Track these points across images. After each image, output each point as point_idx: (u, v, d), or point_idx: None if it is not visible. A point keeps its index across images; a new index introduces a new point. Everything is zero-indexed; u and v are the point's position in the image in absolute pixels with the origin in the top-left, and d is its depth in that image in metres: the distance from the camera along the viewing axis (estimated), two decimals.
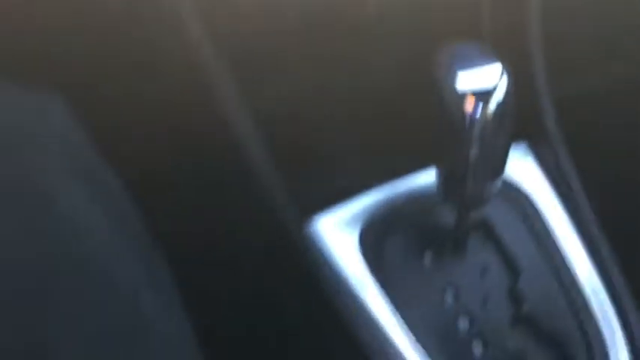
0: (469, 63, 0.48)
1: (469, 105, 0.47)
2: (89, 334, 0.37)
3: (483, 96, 0.47)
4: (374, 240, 0.59)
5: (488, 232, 0.60)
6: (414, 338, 0.55)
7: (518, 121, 0.53)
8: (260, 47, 0.61)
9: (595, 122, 0.93)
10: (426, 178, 0.60)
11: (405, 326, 0.55)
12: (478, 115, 0.47)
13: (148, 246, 0.49)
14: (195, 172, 0.67)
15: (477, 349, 0.55)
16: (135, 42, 0.63)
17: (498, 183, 0.52)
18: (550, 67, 0.66)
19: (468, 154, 0.49)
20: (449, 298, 0.57)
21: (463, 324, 0.56)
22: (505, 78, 0.48)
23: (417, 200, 0.60)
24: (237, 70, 0.60)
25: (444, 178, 0.54)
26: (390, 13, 0.65)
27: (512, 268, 0.58)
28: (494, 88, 0.47)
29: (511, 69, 0.49)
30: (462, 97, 0.47)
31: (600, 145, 0.92)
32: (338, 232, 0.59)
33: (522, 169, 0.62)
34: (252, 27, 0.61)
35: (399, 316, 0.56)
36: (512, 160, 0.61)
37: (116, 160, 0.49)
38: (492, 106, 0.47)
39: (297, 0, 0.62)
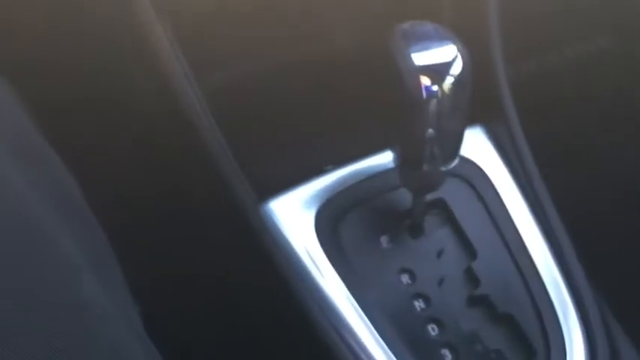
0: (425, 41, 0.48)
1: (424, 83, 0.47)
2: (28, 308, 0.35)
3: (438, 74, 0.47)
4: (330, 222, 0.58)
5: (445, 213, 0.60)
6: (369, 320, 0.55)
7: (475, 102, 0.53)
8: (211, 28, 0.60)
9: (551, 100, 0.94)
10: (383, 160, 0.60)
11: (360, 308, 0.55)
12: (433, 94, 0.47)
13: (92, 227, 0.47)
14: (147, 156, 0.66)
15: (433, 329, 0.55)
16: (81, 24, 0.61)
17: (453, 164, 0.52)
18: (508, 48, 0.66)
19: (423, 134, 0.49)
20: (405, 280, 0.57)
21: (419, 305, 0.56)
22: (460, 57, 0.47)
23: (374, 182, 0.60)
24: (188, 52, 0.59)
25: (400, 160, 0.54)
26: None
27: (468, 249, 0.58)
28: (450, 66, 0.47)
29: (469, 50, 0.48)
30: (418, 75, 0.47)
31: (556, 124, 0.93)
32: (294, 214, 0.58)
33: (479, 150, 0.62)
34: (202, 7, 0.60)
35: (355, 297, 0.55)
36: (469, 141, 0.61)
37: (59, 142, 0.48)
38: (448, 84, 0.47)
39: None
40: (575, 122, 0.97)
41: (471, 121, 0.63)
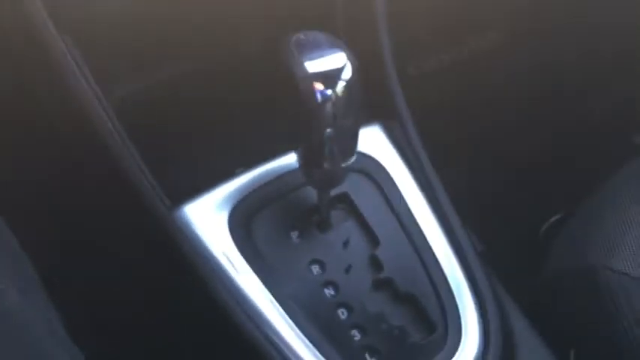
0: (316, 50, 0.52)
1: (318, 88, 0.51)
2: None
3: (331, 79, 0.51)
4: (242, 222, 0.61)
5: (348, 206, 0.64)
6: (284, 311, 0.58)
7: (370, 102, 0.58)
8: (115, 34, 0.62)
9: (447, 96, 1.01)
10: (288, 161, 0.64)
11: (276, 300, 0.59)
12: (328, 97, 0.51)
13: (6, 237, 0.49)
14: (58, 167, 0.67)
15: (343, 313, 0.59)
16: None
17: (351, 161, 0.56)
18: (400, 47, 0.70)
19: (322, 135, 0.53)
20: (315, 270, 0.61)
21: (329, 292, 0.60)
22: (349, 63, 0.52)
23: (281, 182, 0.64)
24: (93, 63, 0.60)
25: (303, 160, 0.58)
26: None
27: (371, 238, 0.63)
28: (341, 72, 0.51)
29: (360, 55, 0.53)
30: (311, 81, 0.51)
31: (451, 117, 0.99)
32: (207, 216, 0.61)
33: (377, 146, 0.67)
34: (106, 18, 0.61)
35: (270, 291, 0.59)
36: (367, 138, 0.66)
37: None
38: (340, 88, 0.51)
39: None
40: (470, 114, 1.04)
41: (368, 120, 0.68)
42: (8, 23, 0.60)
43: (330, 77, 0.51)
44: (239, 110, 0.68)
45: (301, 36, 0.53)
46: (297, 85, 0.51)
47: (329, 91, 0.51)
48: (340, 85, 0.51)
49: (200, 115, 0.67)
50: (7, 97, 0.65)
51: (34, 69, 0.63)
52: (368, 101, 0.55)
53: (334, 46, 0.53)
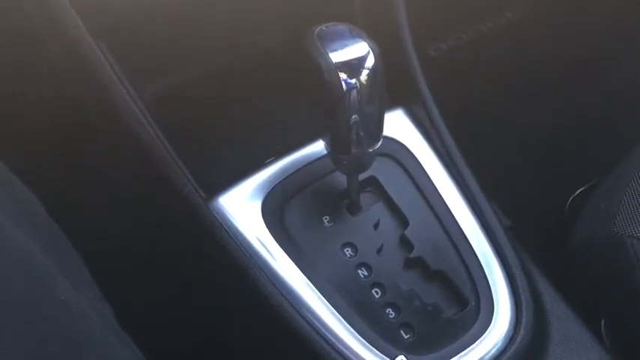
0: (339, 41, 0.54)
1: (343, 77, 0.53)
2: (12, 324, 0.40)
3: (354, 68, 0.53)
4: (275, 210, 0.64)
5: (377, 189, 0.66)
6: (321, 294, 0.61)
7: (394, 88, 0.60)
8: (142, 38, 0.64)
9: (468, 72, 1.02)
10: (317, 148, 0.66)
11: (312, 284, 0.61)
12: (352, 86, 0.53)
13: (56, 233, 0.51)
14: (96, 163, 0.69)
15: (377, 293, 0.62)
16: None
17: (377, 145, 0.58)
18: (419, 30, 0.72)
19: (349, 122, 0.55)
20: (348, 253, 0.63)
21: (362, 273, 0.62)
22: (372, 52, 0.54)
23: (311, 169, 0.66)
24: (125, 60, 0.63)
25: (331, 147, 0.60)
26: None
27: (401, 219, 0.65)
28: (364, 61, 0.53)
29: (382, 41, 0.55)
30: (336, 70, 0.53)
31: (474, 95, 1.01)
32: (241, 206, 0.63)
33: (402, 130, 0.69)
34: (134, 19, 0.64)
35: (305, 275, 0.61)
36: (392, 122, 0.68)
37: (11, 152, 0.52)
38: (364, 76, 0.53)
39: None
40: (492, 92, 1.05)
41: (393, 105, 0.70)
42: (43, 30, 0.63)
43: (353, 66, 0.53)
44: (266, 104, 0.70)
45: (324, 27, 0.55)
46: (322, 75, 0.53)
47: (353, 80, 0.53)
48: (364, 74, 0.53)
49: (228, 111, 0.70)
50: (46, 100, 0.68)
51: (70, 72, 0.66)
52: (391, 86, 0.57)
53: (356, 36, 0.54)
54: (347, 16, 0.58)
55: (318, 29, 0.55)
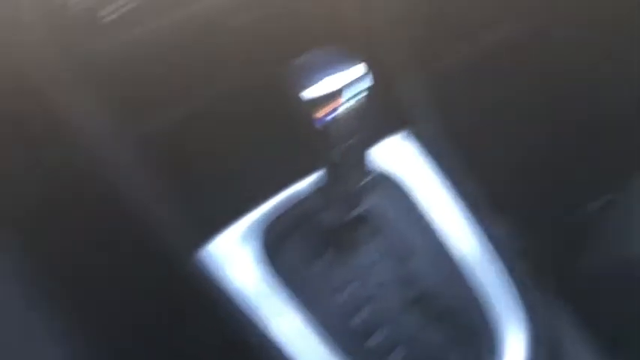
0: (317, 73, 0.51)
1: (324, 112, 0.50)
2: None
3: (330, 102, 0.49)
4: (271, 250, 0.61)
5: (375, 224, 0.62)
6: (320, 338, 0.57)
7: (386, 116, 0.56)
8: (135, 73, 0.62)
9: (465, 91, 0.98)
10: (307, 185, 0.63)
11: (310, 326, 0.57)
12: (334, 120, 0.50)
13: None
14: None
15: (379, 334, 0.58)
16: None
17: (368, 179, 0.55)
18: (413, 50, 0.68)
19: (334, 157, 0.52)
20: (346, 292, 0.59)
21: (362, 314, 0.58)
22: (356, 81, 0.50)
23: (302, 207, 0.62)
24: (116, 99, 0.60)
25: (320, 184, 0.56)
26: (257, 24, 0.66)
27: (399, 254, 0.61)
28: (349, 90, 0.50)
29: (376, 68, 0.51)
30: (310, 108, 0.49)
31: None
32: (234, 249, 0.60)
33: (397, 160, 0.65)
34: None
35: (303, 320, 0.58)
36: (386, 152, 0.65)
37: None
38: (348, 108, 0.50)
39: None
40: (493, 106, 1.01)
41: (387, 132, 0.66)
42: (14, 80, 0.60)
43: (329, 100, 0.49)
44: (252, 143, 0.67)
45: (302, 60, 0.52)
46: (302, 112, 0.50)
47: (331, 115, 0.49)
48: (345, 106, 0.50)
49: (215, 151, 0.67)
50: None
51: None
52: (385, 113, 0.54)
53: (337, 64, 0.51)
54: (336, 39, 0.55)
55: (296, 62, 0.52)
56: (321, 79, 0.50)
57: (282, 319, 0.58)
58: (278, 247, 0.61)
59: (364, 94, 0.50)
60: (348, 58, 0.51)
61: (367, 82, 0.50)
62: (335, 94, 0.50)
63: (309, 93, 0.49)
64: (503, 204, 0.67)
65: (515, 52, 1.07)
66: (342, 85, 0.50)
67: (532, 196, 0.96)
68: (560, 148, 1.05)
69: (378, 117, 0.53)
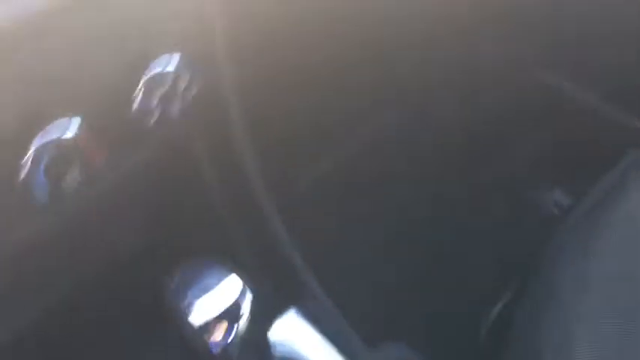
0: (199, 292, 0.49)
1: (218, 336, 0.47)
2: None
3: (218, 327, 0.47)
4: None
5: None
6: None
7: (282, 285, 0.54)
8: None
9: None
10: None
11: None
12: (223, 346, 0.47)
13: None
14: None
15: None
16: None
17: None
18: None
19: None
20: None
21: None
22: (237, 295, 0.48)
23: None
24: None
25: None
26: None
27: None
28: (233, 312, 0.48)
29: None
30: (201, 337, 0.47)
31: None
32: None
33: (297, 334, 0.63)
34: None
35: None
36: (285, 327, 0.62)
37: None
38: (233, 333, 0.48)
39: None
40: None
41: (284, 305, 0.64)
42: None
43: (218, 324, 0.48)
44: None
45: (180, 277, 0.50)
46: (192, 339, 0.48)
47: (223, 339, 0.47)
48: (234, 328, 0.48)
49: None
50: None
51: None
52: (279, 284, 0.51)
53: (219, 280, 0.49)
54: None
55: (173, 280, 0.50)
56: (203, 299, 0.49)
57: None
58: None
59: (247, 314, 0.48)
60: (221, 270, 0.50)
61: (248, 297, 0.48)
62: (222, 317, 0.48)
63: (196, 317, 0.47)
64: None
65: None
66: (226, 307, 0.48)
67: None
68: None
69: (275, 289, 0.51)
